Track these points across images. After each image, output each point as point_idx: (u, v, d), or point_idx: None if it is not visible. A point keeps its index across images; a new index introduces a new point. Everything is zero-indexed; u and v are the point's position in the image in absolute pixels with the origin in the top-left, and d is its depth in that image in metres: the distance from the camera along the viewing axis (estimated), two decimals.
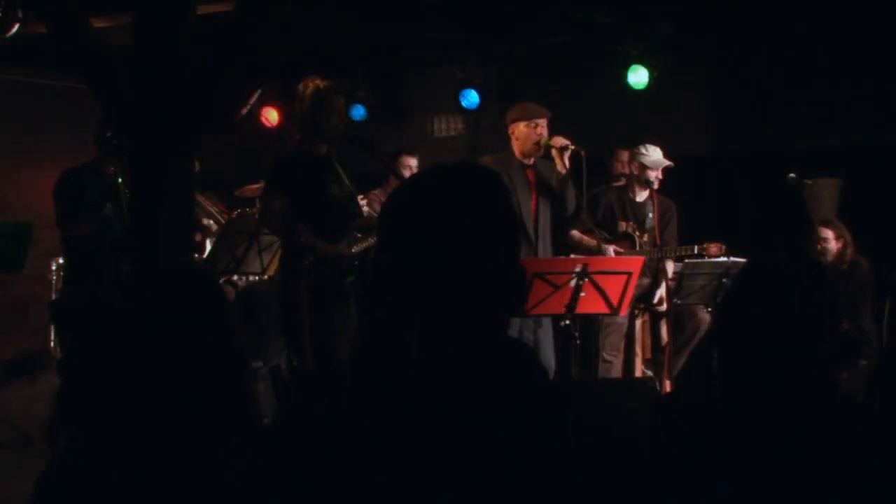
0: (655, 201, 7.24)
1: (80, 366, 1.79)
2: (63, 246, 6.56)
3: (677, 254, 7.21)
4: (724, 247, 7.17)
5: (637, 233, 7.25)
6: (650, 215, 7.37)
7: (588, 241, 7.24)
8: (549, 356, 6.44)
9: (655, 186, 7.32)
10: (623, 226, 7.28)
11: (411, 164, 8.14)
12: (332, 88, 5.59)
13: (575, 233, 7.24)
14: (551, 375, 6.39)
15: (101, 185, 6.31)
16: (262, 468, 1.74)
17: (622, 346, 7.37)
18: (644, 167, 7.29)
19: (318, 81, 5.61)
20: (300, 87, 5.60)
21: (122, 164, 6.23)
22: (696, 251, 7.15)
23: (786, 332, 2.38)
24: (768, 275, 2.49)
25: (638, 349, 7.45)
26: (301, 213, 5.41)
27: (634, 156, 7.39)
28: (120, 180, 6.26)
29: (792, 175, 7.20)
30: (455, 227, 1.69)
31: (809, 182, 7.28)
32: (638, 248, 7.21)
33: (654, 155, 7.31)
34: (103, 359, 1.82)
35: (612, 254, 7.09)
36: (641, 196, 7.39)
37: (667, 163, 7.28)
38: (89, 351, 1.87)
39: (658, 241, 7.11)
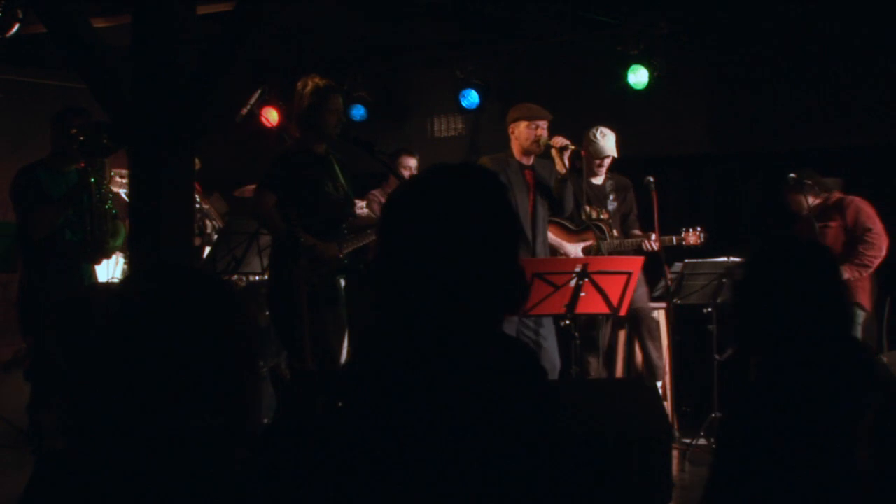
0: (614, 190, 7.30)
1: (73, 367, 1.78)
2: (20, 246, 6.15)
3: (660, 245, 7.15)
4: (702, 234, 7.17)
5: (603, 215, 7.22)
6: (611, 197, 7.39)
7: (553, 240, 7.10)
8: (553, 355, 6.44)
9: (601, 174, 7.32)
10: (588, 210, 7.22)
11: (411, 164, 8.14)
12: (330, 87, 5.61)
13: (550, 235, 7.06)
14: (556, 375, 6.40)
15: (60, 184, 6.03)
16: (261, 468, 1.74)
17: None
18: (588, 154, 7.26)
19: (316, 80, 5.62)
20: (299, 85, 5.62)
21: (94, 165, 5.95)
22: (674, 242, 7.13)
23: (822, 316, 2.33)
24: (794, 257, 2.41)
25: (638, 350, 7.44)
26: (294, 209, 5.42)
27: (585, 139, 7.30)
28: (93, 179, 5.99)
29: (792, 175, 7.21)
30: (449, 228, 1.69)
31: (809, 182, 7.28)
32: (608, 239, 7.16)
33: (601, 142, 7.27)
34: (101, 359, 1.81)
35: (580, 254, 7.04)
36: (598, 179, 7.39)
37: (610, 153, 7.26)
38: (83, 351, 1.86)
39: (619, 228, 7.17)
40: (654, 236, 7.13)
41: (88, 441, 1.80)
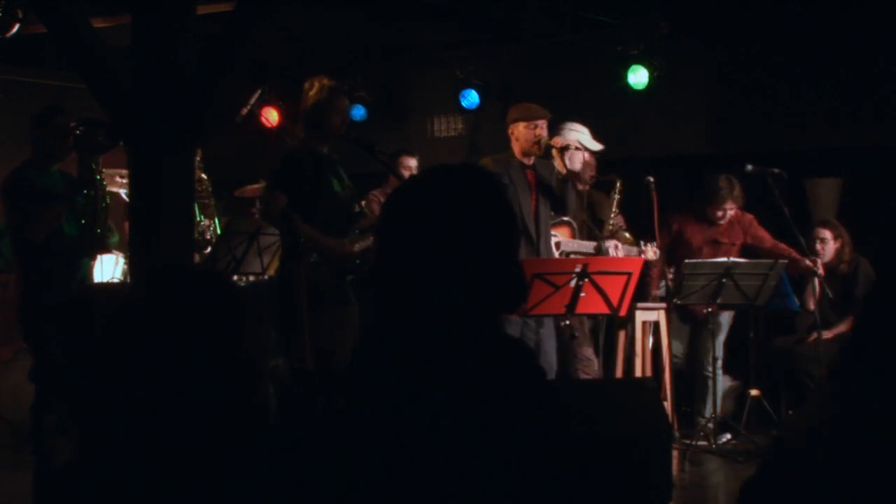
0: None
1: (74, 367, 1.78)
2: (16, 248, 6.02)
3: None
4: (657, 252, 7.10)
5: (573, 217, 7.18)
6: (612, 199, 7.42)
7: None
8: (551, 357, 6.44)
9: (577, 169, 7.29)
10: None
11: (411, 164, 8.13)
12: (337, 88, 5.64)
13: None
14: (552, 376, 6.39)
15: (52, 183, 5.94)
16: (261, 468, 1.74)
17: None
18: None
19: (324, 80, 5.64)
20: (306, 84, 5.62)
21: (94, 159, 5.86)
22: (634, 252, 7.06)
23: None
24: None
25: (638, 349, 7.44)
26: (304, 209, 5.42)
27: (567, 131, 7.15)
28: (98, 177, 5.91)
29: (750, 166, 7.19)
30: (448, 228, 1.69)
31: (776, 171, 7.21)
32: (578, 235, 7.13)
33: (587, 135, 7.20)
34: (102, 360, 1.81)
35: (552, 246, 7.00)
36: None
37: (599, 146, 7.23)
38: (85, 352, 1.86)
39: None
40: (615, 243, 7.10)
41: (90, 442, 1.80)
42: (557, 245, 7.00)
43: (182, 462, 1.77)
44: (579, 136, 7.16)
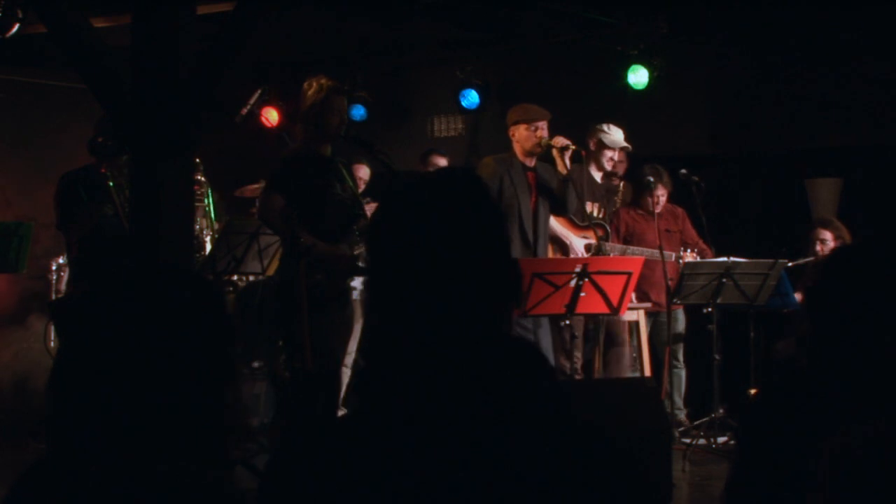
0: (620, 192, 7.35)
1: (69, 365, 1.79)
2: (66, 247, 6.63)
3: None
4: (696, 254, 7.20)
5: (600, 213, 7.21)
6: (615, 198, 7.43)
7: (561, 231, 7.06)
8: (549, 356, 6.44)
9: (608, 168, 7.35)
10: (590, 206, 7.20)
11: (442, 164, 8.09)
12: (335, 88, 5.63)
13: (554, 220, 7.01)
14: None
15: (98, 186, 6.35)
16: (266, 466, 1.74)
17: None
18: (602, 145, 7.27)
19: (322, 80, 5.63)
20: (305, 85, 5.62)
21: (113, 167, 6.31)
22: (672, 258, 7.14)
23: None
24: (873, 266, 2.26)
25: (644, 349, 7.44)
26: (302, 211, 5.42)
27: (595, 132, 7.35)
28: (111, 184, 6.31)
29: (683, 171, 7.26)
30: (448, 231, 1.70)
31: (696, 179, 7.28)
32: (610, 240, 7.17)
33: (615, 135, 7.31)
34: (91, 358, 1.82)
35: (583, 249, 7.01)
36: (597, 175, 7.39)
37: (625, 144, 7.31)
38: (78, 350, 1.86)
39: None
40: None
41: (82, 441, 1.80)
42: (587, 248, 7.04)
43: (179, 461, 1.77)
44: (608, 136, 7.29)
